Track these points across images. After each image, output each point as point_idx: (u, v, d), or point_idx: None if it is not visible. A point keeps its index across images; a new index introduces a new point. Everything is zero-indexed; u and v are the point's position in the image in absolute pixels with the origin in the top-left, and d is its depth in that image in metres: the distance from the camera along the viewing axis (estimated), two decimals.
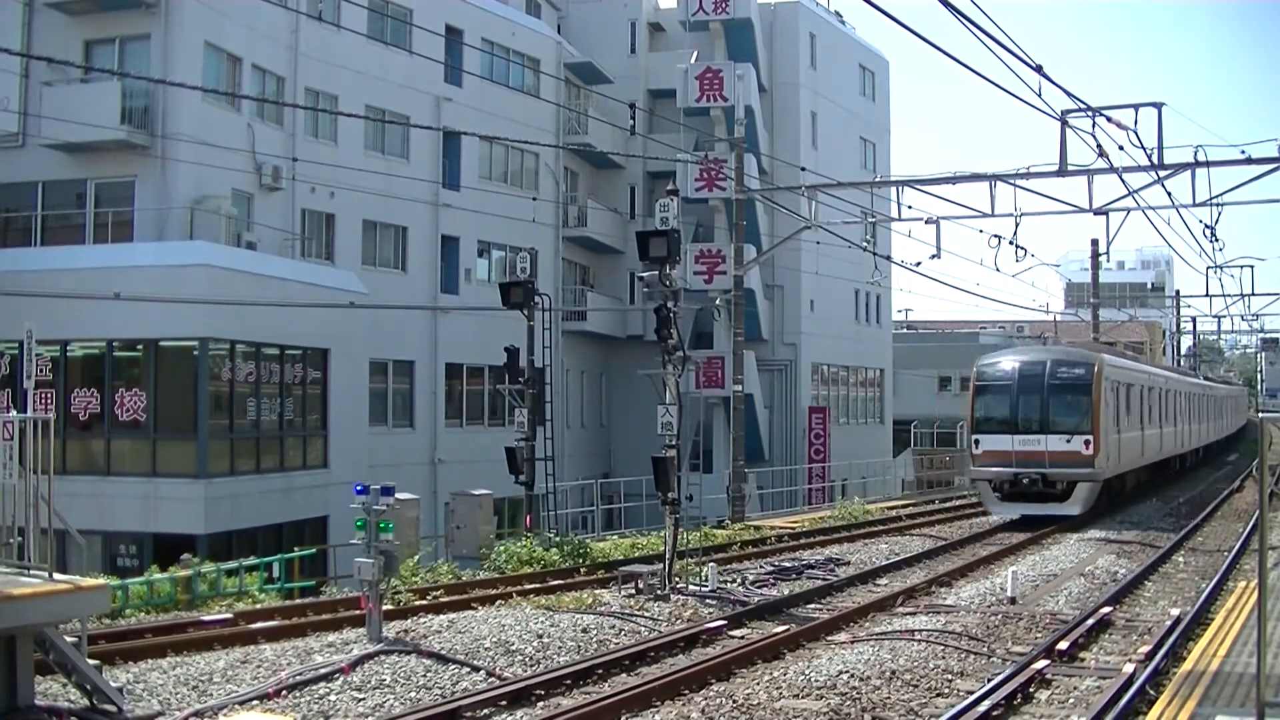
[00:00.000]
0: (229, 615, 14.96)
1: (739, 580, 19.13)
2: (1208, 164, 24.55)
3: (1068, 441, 26.50)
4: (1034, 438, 26.81)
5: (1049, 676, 12.25)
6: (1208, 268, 57.04)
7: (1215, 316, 69.53)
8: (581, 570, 19.64)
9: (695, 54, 41.80)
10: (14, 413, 10.66)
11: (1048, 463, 26.56)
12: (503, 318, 25.11)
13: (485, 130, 34.75)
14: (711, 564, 18.97)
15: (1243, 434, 66.18)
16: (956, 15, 12.42)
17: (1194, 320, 78.85)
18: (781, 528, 28.11)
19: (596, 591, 17.24)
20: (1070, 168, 25.26)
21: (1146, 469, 33.69)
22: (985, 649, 13.87)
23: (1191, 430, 42.15)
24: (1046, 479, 26.59)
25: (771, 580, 19.40)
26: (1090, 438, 26.50)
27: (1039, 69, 16.36)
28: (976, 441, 27.80)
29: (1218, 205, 26.43)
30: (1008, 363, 28.50)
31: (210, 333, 25.08)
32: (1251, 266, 64.61)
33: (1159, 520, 28.10)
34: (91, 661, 10.27)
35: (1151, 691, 11.04)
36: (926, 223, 28.50)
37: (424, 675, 12.12)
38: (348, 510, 13.96)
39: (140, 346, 25.70)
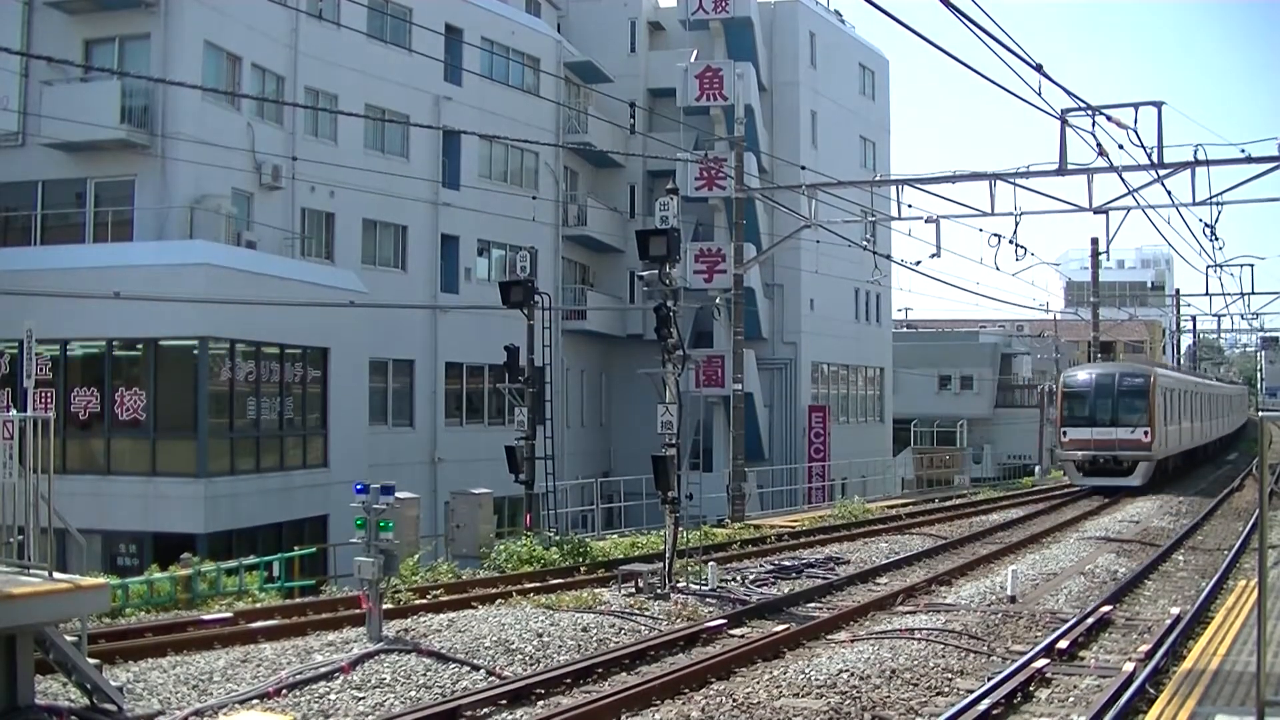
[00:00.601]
0: (229, 614, 14.95)
1: (739, 579, 19.12)
2: (1207, 163, 24.59)
3: (1132, 432, 34.65)
4: (1107, 429, 34.90)
5: (1049, 675, 12.25)
6: (1207, 266, 57.17)
7: (1215, 315, 69.61)
8: (581, 569, 19.63)
9: (695, 53, 41.80)
10: (14, 412, 10.66)
11: (1117, 447, 34.72)
12: (502, 317, 25.12)
13: (485, 129, 34.76)
14: (711, 563, 18.98)
15: (1242, 432, 66.15)
16: (956, 14, 12.43)
17: (1194, 319, 78.94)
18: (781, 526, 28.11)
19: (596, 590, 17.25)
20: (1070, 167, 25.29)
21: (1184, 454, 41.20)
22: (985, 647, 13.87)
23: (1213, 425, 49.80)
24: (1116, 459, 34.67)
25: (771, 579, 19.40)
26: (1148, 429, 34.61)
27: (1039, 68, 16.37)
28: (1064, 432, 36.09)
29: (1217, 204, 26.52)
30: (1085, 375, 37.22)
31: (210, 332, 25.06)
32: (1251, 265, 65.03)
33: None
34: (91, 660, 10.28)
35: (1151, 690, 11.04)
36: (926, 222, 28.54)
37: (424, 674, 12.12)
38: (347, 509, 13.95)
39: (140, 346, 25.68)
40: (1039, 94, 18.01)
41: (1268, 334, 77.86)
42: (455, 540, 22.56)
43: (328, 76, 31.74)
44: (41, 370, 23.43)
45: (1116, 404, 35.10)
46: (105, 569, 21.34)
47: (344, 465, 27.88)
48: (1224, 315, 64.94)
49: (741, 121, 34.32)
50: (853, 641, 14.09)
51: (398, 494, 14.09)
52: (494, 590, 17.19)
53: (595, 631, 14.48)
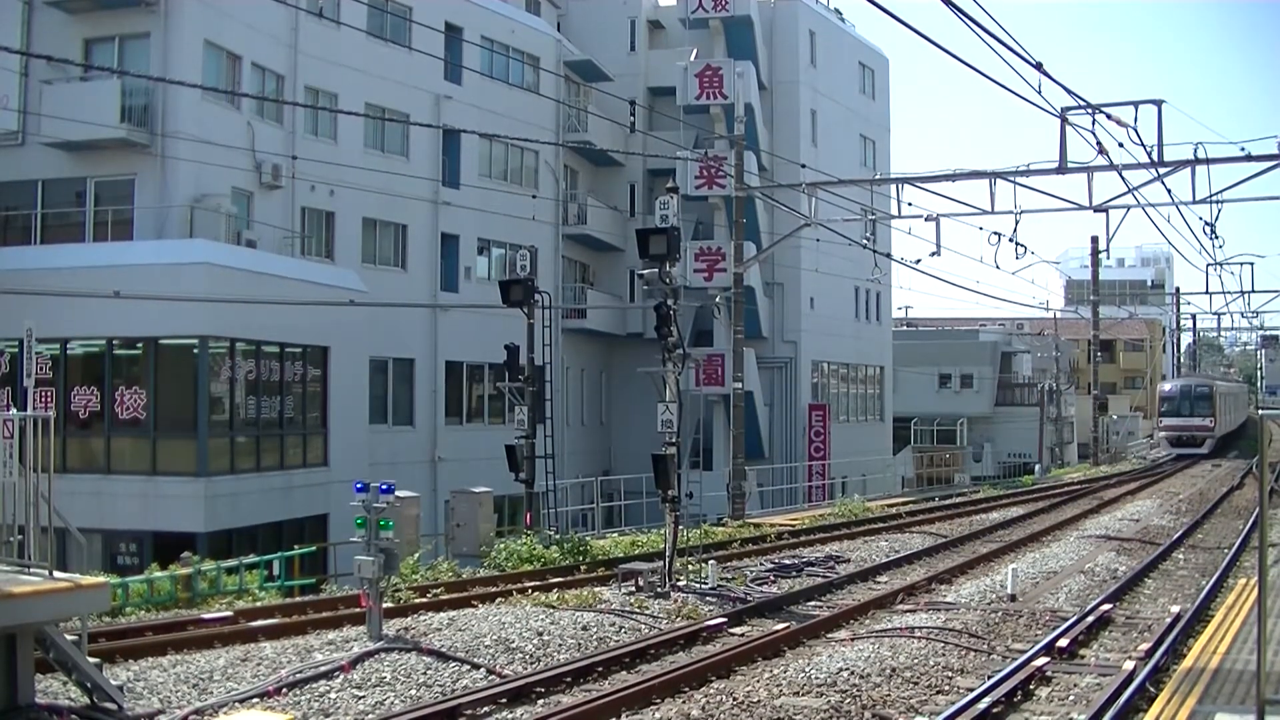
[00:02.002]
0: (229, 613, 14.95)
1: (739, 578, 19.12)
2: (1207, 161, 24.57)
3: (1203, 420, 53.06)
4: (1188, 419, 53.17)
5: (1049, 673, 12.25)
6: (1207, 265, 57.85)
7: (1215, 314, 69.68)
8: (581, 568, 19.63)
9: (695, 51, 41.79)
10: (14, 411, 10.66)
11: (1194, 430, 53.10)
12: (503, 316, 25.11)
13: (485, 128, 34.73)
14: (711, 561, 18.98)
15: (1242, 430, 66.12)
16: (956, 13, 12.42)
17: (1194, 317, 78.96)
18: (781, 525, 28.09)
19: (596, 589, 17.24)
20: (1070, 165, 25.27)
21: (1224, 435, 57.87)
22: (985, 646, 13.88)
23: (1239, 415, 67.20)
24: (1193, 437, 53.18)
25: (771, 578, 19.39)
26: (1212, 418, 53.13)
27: (1039, 66, 16.36)
28: (1161, 420, 55.72)
29: (1217, 202, 26.60)
30: (1171, 385, 56.46)
31: (210, 331, 25.07)
32: (1251, 263, 65.29)
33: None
34: (92, 659, 10.28)
35: (1151, 689, 11.04)
36: (926, 220, 28.56)
37: (424, 673, 12.12)
38: (348, 508, 13.95)
39: (140, 345, 25.68)
40: (1039, 92, 18.02)
41: (1268, 332, 77.83)
42: (455, 539, 22.57)
43: (328, 75, 31.74)
44: (42, 369, 23.44)
45: (1193, 403, 53.26)
46: (105, 568, 21.35)
47: (344, 464, 27.89)
48: (1224, 313, 64.98)
49: (741, 120, 34.32)
50: (853, 640, 14.09)
51: (397, 493, 14.09)
52: (494, 589, 17.19)
53: (595, 630, 14.48)
